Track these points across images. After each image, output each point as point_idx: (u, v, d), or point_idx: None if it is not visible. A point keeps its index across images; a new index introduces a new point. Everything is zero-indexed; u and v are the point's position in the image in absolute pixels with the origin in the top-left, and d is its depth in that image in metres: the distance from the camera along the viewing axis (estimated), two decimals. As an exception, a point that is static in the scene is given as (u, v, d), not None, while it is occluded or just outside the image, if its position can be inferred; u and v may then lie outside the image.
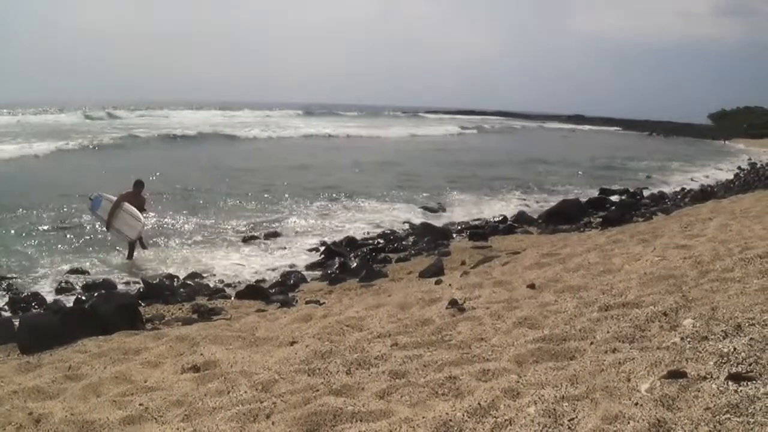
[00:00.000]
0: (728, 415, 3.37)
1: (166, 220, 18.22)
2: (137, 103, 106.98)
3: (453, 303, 7.15)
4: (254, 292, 11.49)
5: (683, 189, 28.84)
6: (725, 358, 4.07)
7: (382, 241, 16.90)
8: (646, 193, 27.18)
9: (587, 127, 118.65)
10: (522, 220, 19.62)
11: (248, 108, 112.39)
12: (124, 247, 15.02)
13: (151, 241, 15.82)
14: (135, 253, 14.81)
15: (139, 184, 15.61)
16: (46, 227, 16.90)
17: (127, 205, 14.93)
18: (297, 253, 15.58)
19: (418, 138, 66.66)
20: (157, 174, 26.07)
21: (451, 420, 3.96)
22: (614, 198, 24.60)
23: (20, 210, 18.57)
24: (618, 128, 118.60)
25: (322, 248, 15.73)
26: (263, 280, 13.04)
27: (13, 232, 16.17)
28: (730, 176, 35.14)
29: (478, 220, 20.62)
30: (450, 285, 8.93)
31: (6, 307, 10.87)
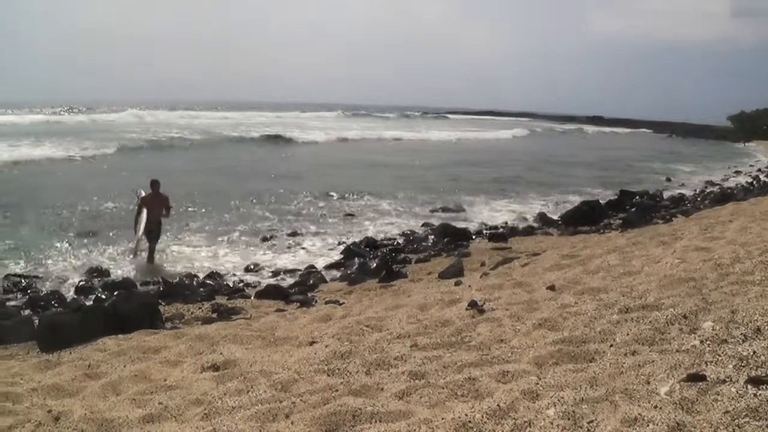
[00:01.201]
0: (747, 419, 3.37)
1: (186, 219, 18.27)
2: (152, 104, 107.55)
3: (473, 304, 7.15)
4: (274, 291, 11.53)
5: (703, 191, 28.70)
6: (745, 362, 4.07)
7: (401, 241, 16.93)
8: (665, 194, 27.09)
9: (623, 129, 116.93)
10: (542, 221, 19.64)
11: (269, 109, 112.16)
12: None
13: (172, 241, 15.92)
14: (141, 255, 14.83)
15: (155, 183, 15.35)
16: (69, 227, 17.06)
17: (142, 217, 14.78)
18: (317, 254, 15.65)
19: (485, 142, 67.32)
20: (188, 176, 26.26)
21: (470, 421, 3.96)
22: (634, 200, 24.49)
23: (45, 210, 18.79)
24: (647, 130, 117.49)
25: (342, 249, 15.77)
26: (283, 280, 13.10)
27: (36, 231, 16.32)
28: (750, 179, 34.86)
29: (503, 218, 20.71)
30: (470, 286, 8.93)
31: (26, 305, 10.94)
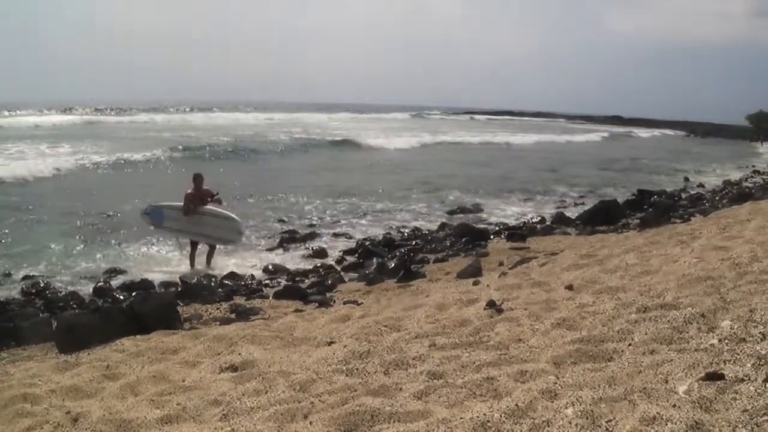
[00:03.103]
0: (766, 417, 3.36)
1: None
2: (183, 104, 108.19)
3: (491, 304, 7.15)
4: (292, 292, 11.58)
5: (721, 190, 28.52)
6: (763, 360, 4.06)
7: (419, 241, 16.91)
8: (683, 194, 26.99)
9: (662, 131, 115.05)
10: (560, 221, 19.56)
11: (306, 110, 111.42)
12: (162, 244, 15.27)
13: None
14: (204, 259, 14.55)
15: (197, 178, 14.79)
16: (88, 228, 17.23)
17: (208, 208, 14.52)
18: (335, 254, 15.67)
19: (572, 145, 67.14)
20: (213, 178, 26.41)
21: (488, 421, 3.97)
22: (652, 199, 24.39)
23: (67, 212, 19.03)
24: (681, 131, 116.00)
25: (360, 249, 15.79)
26: (301, 281, 13.13)
27: (56, 233, 16.43)
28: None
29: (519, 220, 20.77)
30: (488, 286, 8.93)
31: (44, 306, 11.01)
